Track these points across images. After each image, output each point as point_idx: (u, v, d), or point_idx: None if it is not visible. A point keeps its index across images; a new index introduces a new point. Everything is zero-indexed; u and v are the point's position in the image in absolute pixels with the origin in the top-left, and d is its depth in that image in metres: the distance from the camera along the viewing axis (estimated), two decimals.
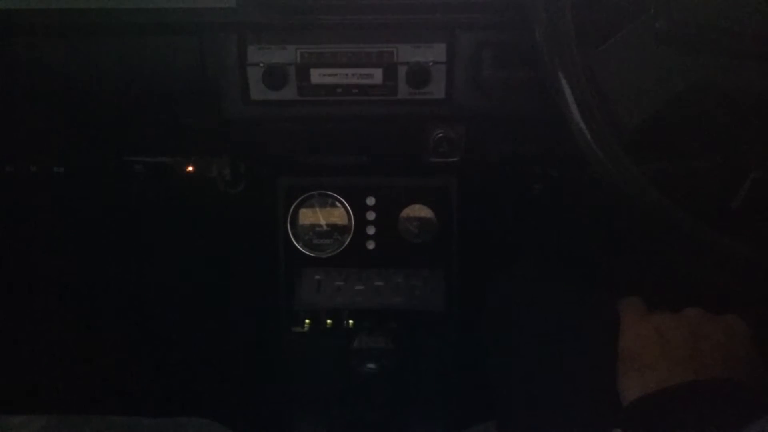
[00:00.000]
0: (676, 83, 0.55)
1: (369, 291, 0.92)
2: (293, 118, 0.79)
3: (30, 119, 0.85)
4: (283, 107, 0.76)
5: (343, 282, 0.93)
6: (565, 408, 0.65)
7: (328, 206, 0.92)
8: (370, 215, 0.92)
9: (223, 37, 0.74)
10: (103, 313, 1.20)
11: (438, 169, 0.86)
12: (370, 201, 0.91)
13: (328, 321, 0.92)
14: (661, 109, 0.55)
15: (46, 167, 1.15)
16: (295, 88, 0.75)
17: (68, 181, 1.18)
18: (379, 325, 0.91)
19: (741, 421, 0.39)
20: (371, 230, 0.92)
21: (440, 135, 0.81)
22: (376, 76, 0.74)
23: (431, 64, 0.74)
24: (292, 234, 0.92)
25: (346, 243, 0.91)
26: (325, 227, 0.92)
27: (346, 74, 0.75)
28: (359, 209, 0.91)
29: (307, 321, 0.92)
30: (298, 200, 0.91)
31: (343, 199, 0.91)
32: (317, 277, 0.93)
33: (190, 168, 1.10)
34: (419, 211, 0.91)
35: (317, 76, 0.75)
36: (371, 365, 0.89)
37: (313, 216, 0.92)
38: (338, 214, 0.92)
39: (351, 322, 0.92)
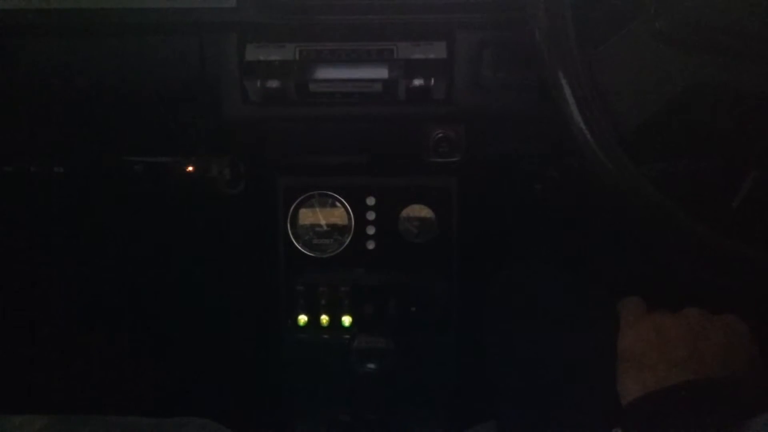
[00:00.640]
0: (676, 83, 0.55)
1: (369, 291, 0.92)
2: (293, 118, 0.79)
3: (30, 119, 0.85)
4: (282, 107, 0.76)
5: (343, 282, 0.93)
6: (565, 408, 0.65)
7: (328, 206, 0.92)
8: (370, 215, 0.92)
9: (223, 37, 0.74)
10: (103, 313, 1.20)
11: (438, 169, 0.86)
12: (370, 201, 0.91)
13: (324, 317, 0.92)
14: (661, 109, 0.55)
15: (46, 167, 1.15)
16: (295, 88, 0.75)
17: (68, 181, 1.18)
18: (379, 325, 0.91)
19: (740, 420, 0.39)
20: (371, 230, 0.92)
21: (440, 135, 0.81)
22: (376, 75, 0.74)
23: (431, 64, 0.74)
24: (292, 234, 0.92)
25: (346, 243, 0.91)
26: (325, 227, 0.92)
27: (346, 74, 0.74)
28: (359, 209, 0.91)
29: (304, 317, 0.92)
30: (298, 200, 0.91)
31: (343, 199, 0.91)
32: (317, 276, 0.93)
33: (190, 168, 1.10)
34: (419, 211, 0.91)
35: (317, 75, 0.75)
36: (371, 365, 0.89)
37: (313, 216, 0.92)
38: (338, 214, 0.92)
39: (349, 320, 0.92)
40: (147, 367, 1.17)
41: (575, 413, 0.63)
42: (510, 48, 0.72)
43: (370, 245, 0.92)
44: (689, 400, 0.53)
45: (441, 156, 0.82)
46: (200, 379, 1.16)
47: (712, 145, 0.66)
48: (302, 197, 0.91)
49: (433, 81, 0.74)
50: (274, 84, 0.74)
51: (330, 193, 0.91)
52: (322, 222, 0.92)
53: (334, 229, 0.91)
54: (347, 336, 0.91)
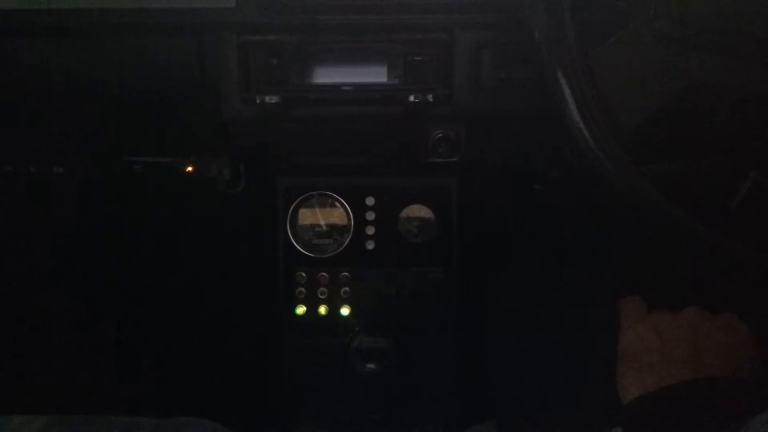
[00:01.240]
0: (676, 83, 0.55)
1: (368, 291, 0.92)
2: (293, 118, 0.79)
3: (30, 119, 0.85)
4: (282, 107, 0.76)
5: (343, 282, 0.93)
6: (565, 407, 0.65)
7: (327, 206, 0.92)
8: (370, 215, 0.92)
9: (222, 37, 0.74)
10: (102, 312, 1.20)
11: (438, 169, 0.86)
12: (370, 201, 0.91)
13: (323, 307, 0.92)
14: (660, 109, 0.55)
15: (46, 167, 1.15)
16: (295, 89, 0.75)
17: (68, 181, 1.18)
18: (379, 325, 0.91)
19: (740, 420, 0.39)
20: (371, 230, 0.92)
21: (440, 135, 0.81)
22: (376, 76, 0.74)
23: (431, 64, 0.74)
24: (292, 234, 0.92)
25: (346, 243, 0.91)
26: (324, 227, 0.92)
27: (346, 74, 0.74)
28: (359, 209, 0.91)
29: (302, 307, 0.92)
30: (298, 200, 0.91)
31: (342, 199, 0.91)
32: (317, 276, 0.93)
33: (190, 168, 1.09)
34: (419, 211, 0.91)
35: (317, 76, 0.75)
36: (371, 365, 0.89)
37: (313, 216, 0.92)
38: (338, 214, 0.92)
39: (347, 312, 0.92)
40: (147, 367, 1.17)
41: (575, 413, 0.63)
42: (510, 48, 0.72)
43: (370, 245, 0.92)
44: (689, 400, 0.53)
45: (440, 156, 0.82)
46: (200, 379, 1.16)
47: (711, 145, 0.66)
48: (302, 197, 0.91)
49: (432, 81, 0.74)
50: (274, 85, 0.74)
51: (330, 193, 0.91)
52: (322, 222, 0.92)
53: (334, 229, 0.92)
54: (345, 332, 0.91)
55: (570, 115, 0.54)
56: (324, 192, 0.91)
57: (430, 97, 0.74)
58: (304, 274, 0.92)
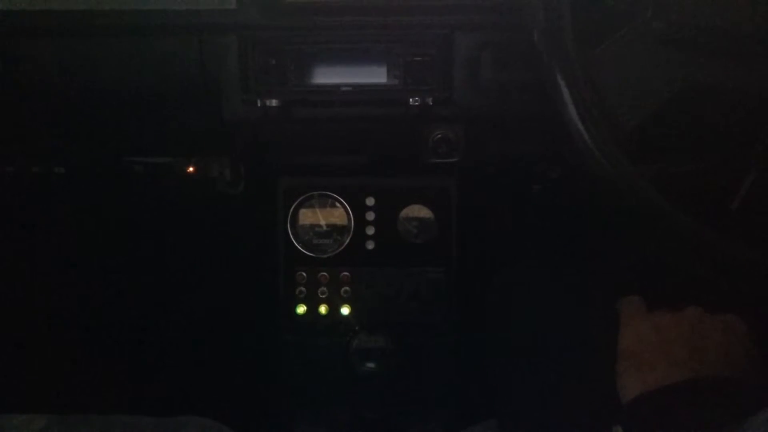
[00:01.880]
0: (674, 84, 0.55)
1: (368, 291, 0.92)
2: (293, 119, 0.79)
3: (30, 119, 0.85)
4: (282, 108, 0.76)
5: (343, 281, 0.93)
6: (565, 407, 0.65)
7: (327, 206, 0.92)
8: (370, 215, 0.92)
9: (223, 38, 0.74)
10: (102, 312, 1.21)
11: (437, 169, 0.86)
12: (370, 201, 0.92)
13: (323, 306, 0.92)
14: (659, 109, 0.55)
15: (46, 167, 1.15)
16: (295, 89, 0.75)
17: (68, 181, 1.18)
18: (378, 325, 0.91)
19: (740, 419, 0.39)
20: (371, 230, 0.92)
21: (439, 135, 0.81)
22: (376, 76, 0.74)
23: (430, 64, 0.74)
24: (292, 234, 0.92)
25: (346, 243, 0.92)
26: (324, 227, 0.92)
27: (345, 75, 0.75)
28: (359, 209, 0.92)
29: (303, 306, 0.92)
30: (298, 200, 0.92)
31: (342, 200, 0.91)
32: (317, 276, 0.93)
33: (191, 169, 1.10)
34: (418, 211, 0.92)
35: (317, 76, 0.75)
36: (371, 365, 0.89)
37: (313, 216, 0.92)
38: (338, 214, 0.92)
39: (347, 311, 0.92)
40: (147, 366, 1.17)
41: (575, 412, 0.63)
42: (509, 49, 0.72)
43: (370, 245, 0.92)
44: (689, 399, 0.53)
45: (440, 156, 0.82)
46: (200, 378, 1.16)
47: (711, 145, 0.66)
48: (302, 197, 0.92)
49: (432, 82, 0.74)
50: (274, 86, 0.74)
51: (330, 193, 0.92)
52: (322, 222, 0.92)
53: (334, 230, 0.92)
54: (345, 331, 0.91)
55: (569, 116, 0.54)
56: (324, 192, 0.92)
57: (429, 101, 0.74)
58: (304, 274, 0.93)
